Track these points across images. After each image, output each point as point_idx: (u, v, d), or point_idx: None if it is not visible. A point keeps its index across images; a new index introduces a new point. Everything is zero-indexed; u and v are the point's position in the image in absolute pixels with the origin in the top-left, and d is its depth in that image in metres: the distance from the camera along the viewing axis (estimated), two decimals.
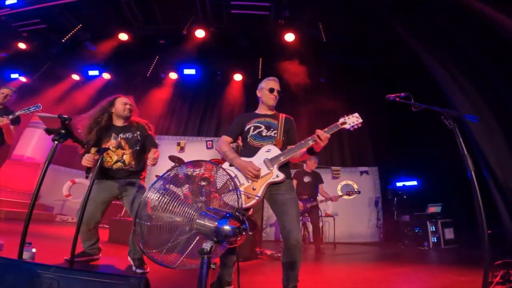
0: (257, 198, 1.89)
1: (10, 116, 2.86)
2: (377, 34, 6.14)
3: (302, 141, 1.98)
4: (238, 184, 1.92)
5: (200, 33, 6.56)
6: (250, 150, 2.03)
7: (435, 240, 5.10)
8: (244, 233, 1.03)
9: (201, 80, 8.46)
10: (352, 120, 1.99)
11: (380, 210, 6.55)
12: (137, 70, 8.33)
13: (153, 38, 7.18)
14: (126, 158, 2.44)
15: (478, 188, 1.68)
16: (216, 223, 1.01)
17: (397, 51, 6.11)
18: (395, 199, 6.13)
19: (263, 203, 6.71)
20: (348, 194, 4.99)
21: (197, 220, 1.06)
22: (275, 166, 1.94)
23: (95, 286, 0.87)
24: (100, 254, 2.56)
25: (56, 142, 1.65)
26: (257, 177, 1.90)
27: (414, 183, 6.26)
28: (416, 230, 5.42)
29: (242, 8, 6.02)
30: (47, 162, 1.62)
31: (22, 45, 7.09)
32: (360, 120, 2.00)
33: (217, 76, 8.38)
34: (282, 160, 1.95)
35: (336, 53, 7.04)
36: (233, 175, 1.94)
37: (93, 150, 2.32)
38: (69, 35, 6.90)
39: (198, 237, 1.08)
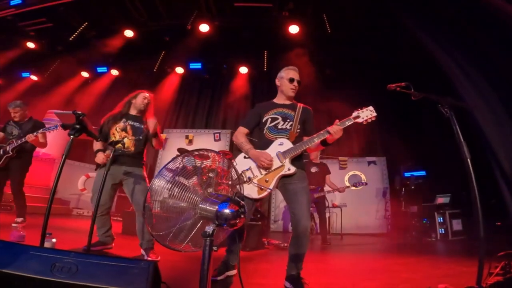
0: (269, 190, 1.96)
1: (35, 133, 3.30)
2: (383, 23, 6.03)
3: (315, 135, 1.99)
4: (252, 176, 1.99)
5: (204, 28, 6.59)
6: (264, 143, 2.07)
7: (443, 232, 5.08)
8: (242, 216, 1.10)
9: (207, 74, 8.52)
10: (366, 114, 1.96)
11: (388, 201, 6.53)
12: (144, 66, 8.44)
13: (158, 34, 7.25)
14: (127, 141, 2.61)
15: (479, 178, 1.69)
16: (217, 207, 1.08)
17: (403, 41, 6.00)
18: (403, 189, 6.09)
19: (271, 195, 6.86)
20: (355, 185, 5.01)
21: (200, 205, 1.14)
22: (287, 160, 1.98)
23: (110, 269, 0.96)
24: (113, 244, 2.71)
25: (71, 136, 1.76)
26: (269, 166, 1.95)
27: (423, 173, 6.20)
28: (424, 221, 5.41)
29: (245, 1, 5.99)
30: (64, 156, 1.74)
31: (31, 44, 7.27)
32: (375, 114, 1.97)
33: (222, 69, 8.42)
34: (294, 153, 1.98)
35: (341, 44, 6.94)
36: (247, 167, 2.02)
37: (108, 153, 2.55)
38: (76, 33, 7.05)
39: (201, 221, 1.15)
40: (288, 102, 2.16)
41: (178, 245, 1.14)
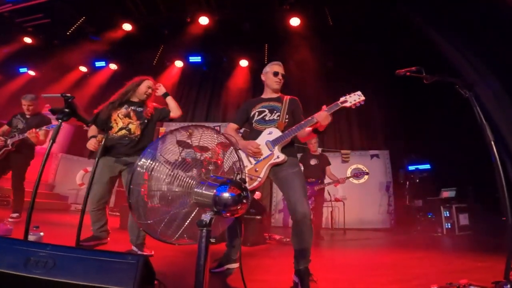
0: (259, 179, 1.89)
1: (38, 129, 3.27)
2: (385, 15, 5.90)
3: (302, 122, 1.96)
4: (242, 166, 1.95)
5: (204, 20, 6.47)
6: (254, 134, 2.08)
7: (449, 226, 4.94)
8: (245, 201, 0.97)
9: (207, 67, 8.41)
10: (354, 98, 1.94)
11: (392, 195, 6.41)
12: (143, 59, 8.32)
13: (157, 27, 7.13)
14: (132, 127, 2.47)
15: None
16: (215, 191, 0.95)
17: (405, 33, 5.90)
18: (407, 183, 5.97)
19: (272, 189, 6.78)
20: (356, 175, 4.89)
21: (196, 189, 1.00)
22: (276, 148, 1.96)
23: (91, 264, 0.85)
24: (109, 238, 2.60)
25: (60, 120, 1.66)
26: (257, 152, 1.94)
27: (427, 166, 6.06)
28: (429, 216, 5.28)
29: None
30: (51, 141, 1.64)
31: (28, 40, 7.19)
32: (363, 98, 1.93)
33: (223, 63, 8.29)
34: (283, 141, 1.96)
35: (343, 37, 6.82)
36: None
37: (99, 137, 2.39)
38: (73, 28, 6.97)
39: (197, 209, 1.02)
40: (274, 96, 2.20)
41: (170, 237, 1.00)
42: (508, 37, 3.72)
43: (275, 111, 2.09)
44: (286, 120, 2.06)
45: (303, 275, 1.74)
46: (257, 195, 4.51)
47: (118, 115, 2.47)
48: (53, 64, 8.18)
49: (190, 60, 8.07)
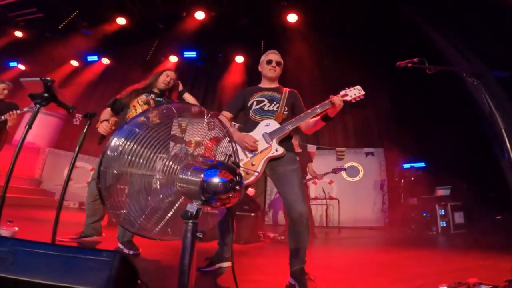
0: (256, 174, 1.80)
1: (19, 111, 3.19)
2: (383, 12, 5.86)
3: (309, 110, 1.87)
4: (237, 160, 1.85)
5: (200, 15, 6.35)
6: (250, 126, 1.96)
7: (444, 225, 4.91)
8: (238, 188, 0.86)
9: (202, 63, 8.27)
10: (354, 92, 1.89)
11: (386, 194, 6.39)
12: (136, 54, 8.17)
13: (152, 21, 6.98)
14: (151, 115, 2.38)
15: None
16: (203, 176, 0.83)
17: (402, 32, 5.89)
18: (402, 181, 5.93)
19: (266, 186, 6.70)
20: (334, 171, 4.83)
21: (180, 176, 0.88)
22: (274, 140, 1.86)
23: (57, 262, 0.73)
24: (104, 234, 2.49)
25: (38, 105, 1.55)
26: (254, 148, 1.83)
27: (422, 164, 6.03)
28: (424, 214, 5.24)
29: None
30: (27, 126, 1.55)
31: (19, 33, 7.02)
32: (363, 92, 1.89)
33: (218, 59, 8.17)
34: (281, 133, 1.86)
35: (339, 35, 6.78)
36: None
37: (112, 120, 2.37)
38: (66, 21, 6.82)
39: (182, 199, 0.91)
40: (273, 86, 2.10)
41: (150, 231, 0.88)
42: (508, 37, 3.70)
43: (274, 102, 1.99)
44: (285, 112, 1.97)
45: (299, 276, 1.66)
46: (251, 191, 4.41)
47: (138, 101, 2.43)
48: (44, 58, 7.98)
49: (185, 56, 7.93)
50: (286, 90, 2.06)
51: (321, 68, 7.36)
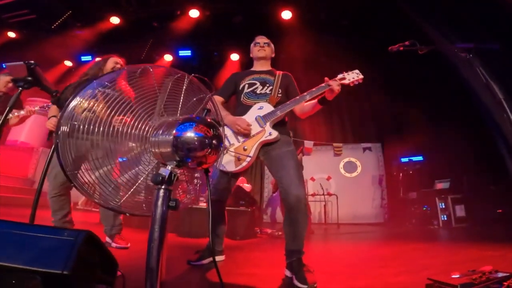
0: (248, 159, 1.70)
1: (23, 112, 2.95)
2: (378, 8, 5.83)
3: (298, 97, 1.80)
4: (228, 144, 1.77)
5: (194, 13, 6.32)
6: (242, 109, 1.86)
7: (445, 218, 4.82)
8: (214, 143, 0.76)
9: (197, 61, 8.21)
10: (352, 76, 1.85)
11: (385, 189, 6.32)
12: (131, 53, 8.07)
13: (146, 20, 6.92)
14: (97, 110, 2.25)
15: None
16: (175, 131, 0.73)
17: (398, 29, 5.83)
18: (400, 175, 5.85)
19: (262, 184, 6.60)
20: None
21: (152, 138, 0.78)
22: (268, 124, 1.76)
23: (9, 240, 0.64)
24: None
25: (20, 88, 1.48)
26: (247, 132, 1.73)
27: (420, 158, 5.95)
28: (424, 208, 5.16)
29: None
30: (8, 108, 1.51)
31: (12, 34, 6.95)
32: (361, 76, 1.86)
33: (213, 57, 8.10)
34: (275, 117, 1.76)
35: (335, 31, 6.73)
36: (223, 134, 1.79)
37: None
38: (59, 21, 6.75)
39: (156, 163, 0.80)
40: (265, 69, 2.02)
41: (115, 202, 0.77)
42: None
43: (267, 85, 1.90)
44: (279, 95, 1.88)
45: (297, 267, 1.53)
46: (248, 187, 4.31)
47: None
48: (37, 58, 7.83)
49: (180, 54, 7.87)
50: (279, 72, 1.99)
51: (317, 65, 7.30)
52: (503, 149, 3.75)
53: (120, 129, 0.76)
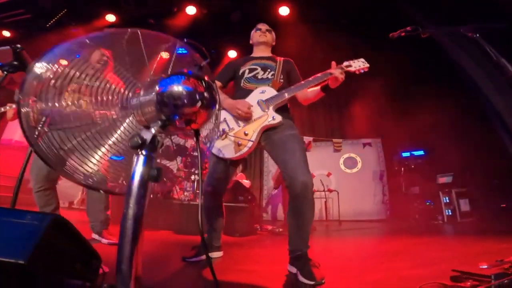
0: (250, 143, 1.60)
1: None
2: (378, 5, 5.75)
3: (302, 82, 1.73)
4: (227, 128, 1.69)
5: (191, 10, 6.26)
6: (242, 94, 1.77)
7: (450, 213, 4.69)
8: (207, 95, 0.65)
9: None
10: (359, 64, 1.80)
11: (386, 185, 6.21)
12: None
13: (143, 17, 6.84)
14: (83, 104, 2.14)
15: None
16: (157, 88, 0.63)
17: (398, 25, 5.75)
18: (402, 169, 5.74)
19: (262, 180, 6.49)
20: None
21: (133, 102, 0.67)
22: (271, 108, 1.66)
23: None
24: None
25: (5, 72, 1.38)
26: (248, 115, 1.63)
27: (421, 152, 5.84)
28: (428, 203, 5.05)
29: None
30: None
31: (6, 33, 6.81)
32: (367, 65, 1.84)
33: (211, 54, 8.02)
34: (282, 99, 1.67)
35: (334, 27, 6.65)
36: (221, 119, 1.71)
37: None
38: (54, 20, 6.70)
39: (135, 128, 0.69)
40: (266, 54, 1.94)
41: (114, 186, 0.66)
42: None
43: (268, 70, 1.82)
44: (281, 80, 1.80)
45: (302, 262, 1.40)
46: (246, 183, 4.19)
47: (67, 89, 2.14)
48: (32, 57, 7.77)
49: (177, 52, 7.78)
50: (280, 58, 1.93)
51: (314, 61, 7.20)
52: (507, 140, 3.67)
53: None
